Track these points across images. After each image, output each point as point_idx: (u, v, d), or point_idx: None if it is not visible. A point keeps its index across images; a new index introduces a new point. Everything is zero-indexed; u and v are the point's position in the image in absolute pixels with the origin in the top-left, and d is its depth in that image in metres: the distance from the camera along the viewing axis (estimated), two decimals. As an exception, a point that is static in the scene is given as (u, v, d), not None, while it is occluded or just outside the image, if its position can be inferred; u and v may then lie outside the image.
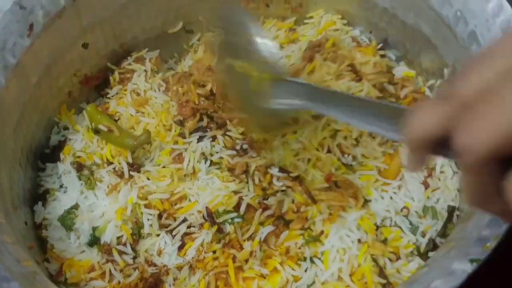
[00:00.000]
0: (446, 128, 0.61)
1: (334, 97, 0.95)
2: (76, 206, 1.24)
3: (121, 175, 1.24)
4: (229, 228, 1.15)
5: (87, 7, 1.31)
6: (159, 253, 1.18)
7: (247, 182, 1.19)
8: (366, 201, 1.21)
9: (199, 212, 1.18)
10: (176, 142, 1.28)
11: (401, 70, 1.36)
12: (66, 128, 1.36)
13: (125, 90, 1.38)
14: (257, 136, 1.21)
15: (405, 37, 1.35)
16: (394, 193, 1.24)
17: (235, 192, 1.18)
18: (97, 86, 1.42)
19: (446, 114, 0.62)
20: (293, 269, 1.12)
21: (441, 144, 0.64)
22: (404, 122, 0.67)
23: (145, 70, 1.40)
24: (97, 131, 1.29)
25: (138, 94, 1.36)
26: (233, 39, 1.11)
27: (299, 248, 1.15)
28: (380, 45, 1.39)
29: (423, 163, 0.72)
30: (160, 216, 1.20)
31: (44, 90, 1.31)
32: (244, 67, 1.07)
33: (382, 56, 1.37)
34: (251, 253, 1.14)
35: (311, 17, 1.46)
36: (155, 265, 1.17)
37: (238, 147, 1.23)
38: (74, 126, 1.35)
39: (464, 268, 0.87)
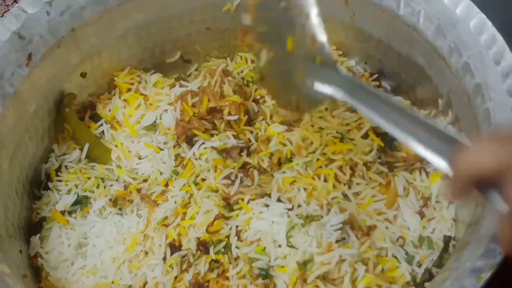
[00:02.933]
0: (498, 173, 0.63)
1: (380, 103, 0.94)
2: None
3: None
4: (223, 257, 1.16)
5: (86, 37, 1.33)
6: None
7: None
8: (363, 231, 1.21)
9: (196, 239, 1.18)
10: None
11: (396, 100, 1.37)
12: (63, 154, 1.37)
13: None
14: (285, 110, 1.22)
15: (400, 68, 1.36)
16: (390, 222, 1.24)
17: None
18: (94, 114, 1.42)
19: (500, 159, 0.64)
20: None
21: (486, 184, 0.67)
22: (456, 155, 0.70)
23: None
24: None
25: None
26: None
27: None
28: (375, 75, 1.41)
29: (464, 197, 0.75)
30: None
31: (41, 119, 1.31)
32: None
33: (377, 86, 1.38)
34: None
35: (307, 48, 1.47)
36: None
37: (233, 177, 1.23)
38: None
39: (459, 299, 0.87)
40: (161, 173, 1.33)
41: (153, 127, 1.37)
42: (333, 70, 1.04)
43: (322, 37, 1.07)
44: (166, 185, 1.30)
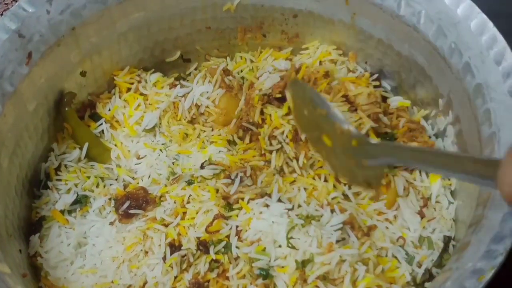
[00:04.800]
0: None
1: (420, 154, 1.05)
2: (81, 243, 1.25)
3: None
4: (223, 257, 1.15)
5: (86, 36, 1.33)
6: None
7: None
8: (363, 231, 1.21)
9: (196, 239, 1.18)
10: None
11: (396, 100, 1.37)
12: (63, 154, 1.37)
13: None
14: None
15: (401, 67, 1.36)
16: (390, 223, 1.24)
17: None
18: (93, 113, 1.42)
19: None
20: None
21: None
22: (501, 178, 0.80)
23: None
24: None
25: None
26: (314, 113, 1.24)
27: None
28: (376, 75, 1.41)
29: None
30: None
31: (41, 118, 1.31)
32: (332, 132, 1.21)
33: (376, 86, 1.38)
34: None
35: (307, 48, 1.47)
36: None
37: (233, 176, 1.23)
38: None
39: (460, 300, 0.87)
40: (159, 174, 1.33)
41: (152, 129, 1.37)
42: (370, 145, 1.16)
43: (345, 124, 1.19)
44: (165, 185, 1.30)
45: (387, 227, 1.23)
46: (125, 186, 1.32)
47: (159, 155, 1.36)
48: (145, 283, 1.17)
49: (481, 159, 0.95)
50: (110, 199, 1.28)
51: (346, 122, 1.20)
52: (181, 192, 1.25)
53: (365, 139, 1.18)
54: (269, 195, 1.21)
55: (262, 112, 1.32)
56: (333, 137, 1.20)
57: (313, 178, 1.26)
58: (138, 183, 1.33)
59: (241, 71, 1.48)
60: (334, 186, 1.26)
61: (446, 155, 1.06)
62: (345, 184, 1.26)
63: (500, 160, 0.82)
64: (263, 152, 1.29)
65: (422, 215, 1.25)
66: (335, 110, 1.24)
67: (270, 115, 1.30)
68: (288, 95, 1.28)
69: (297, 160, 1.27)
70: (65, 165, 1.34)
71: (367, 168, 1.17)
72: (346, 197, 1.26)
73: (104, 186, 1.31)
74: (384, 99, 1.38)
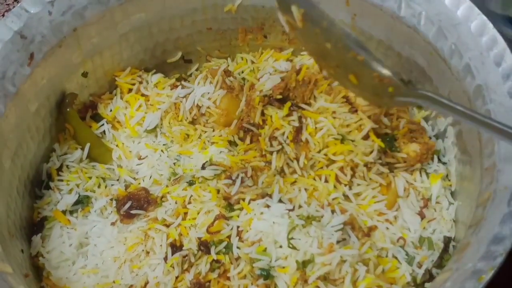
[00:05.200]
0: None
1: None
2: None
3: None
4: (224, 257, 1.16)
5: (87, 37, 1.33)
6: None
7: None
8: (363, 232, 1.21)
9: (197, 240, 1.18)
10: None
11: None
12: (64, 154, 1.37)
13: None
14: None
15: (401, 68, 1.36)
16: (391, 223, 1.24)
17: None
18: (95, 114, 1.43)
19: None
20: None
21: None
22: None
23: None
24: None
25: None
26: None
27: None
28: (376, 76, 1.41)
29: None
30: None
31: (43, 119, 1.32)
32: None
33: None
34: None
35: (308, 49, 1.48)
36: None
37: (234, 177, 1.24)
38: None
39: (460, 300, 0.87)
40: (161, 174, 1.33)
41: (154, 130, 1.38)
42: (410, 90, 1.12)
43: (386, 72, 1.15)
44: (166, 185, 1.30)
45: (387, 228, 1.23)
46: (126, 187, 1.33)
47: (160, 155, 1.37)
48: (146, 283, 1.17)
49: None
50: (111, 199, 1.29)
51: (385, 68, 1.15)
52: (182, 193, 1.25)
53: (403, 88, 1.13)
54: (270, 196, 1.22)
55: (262, 113, 1.32)
56: (364, 79, 1.18)
57: (314, 179, 1.27)
58: (139, 183, 1.34)
59: (242, 72, 1.49)
60: (335, 187, 1.26)
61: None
62: (345, 185, 1.26)
63: None
64: (263, 153, 1.30)
65: (422, 216, 1.25)
66: (374, 55, 1.18)
67: (271, 116, 1.30)
68: (295, 11, 1.20)
69: (298, 160, 1.27)
70: (67, 166, 1.34)
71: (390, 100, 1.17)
72: (346, 197, 1.26)
73: (106, 187, 1.32)
74: (384, 100, 1.38)
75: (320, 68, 1.30)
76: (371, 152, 1.27)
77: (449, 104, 1.02)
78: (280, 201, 1.21)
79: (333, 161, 1.27)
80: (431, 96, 1.06)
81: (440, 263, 1.20)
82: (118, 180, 1.35)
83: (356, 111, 1.31)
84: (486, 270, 0.90)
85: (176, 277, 1.16)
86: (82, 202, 1.29)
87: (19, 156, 1.25)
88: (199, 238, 1.18)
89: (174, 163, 1.36)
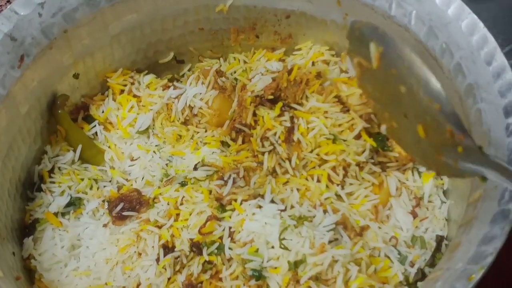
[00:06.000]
0: None
1: None
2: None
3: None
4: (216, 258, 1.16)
5: (78, 38, 1.33)
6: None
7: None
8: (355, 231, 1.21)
9: (189, 241, 1.18)
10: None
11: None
12: (56, 156, 1.37)
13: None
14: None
15: (393, 68, 1.36)
16: (383, 222, 1.24)
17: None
18: (87, 115, 1.42)
19: None
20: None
21: None
22: None
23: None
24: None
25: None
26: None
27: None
28: (368, 75, 1.40)
29: None
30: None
31: (34, 121, 1.31)
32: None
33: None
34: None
35: (300, 49, 1.48)
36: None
37: (226, 177, 1.23)
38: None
39: (450, 300, 0.87)
40: (153, 175, 1.33)
41: (146, 131, 1.38)
42: (479, 155, 0.97)
43: (461, 130, 0.99)
44: (159, 186, 1.30)
45: (379, 227, 1.23)
46: (118, 188, 1.32)
47: (152, 156, 1.36)
48: (138, 284, 1.17)
49: None
50: (103, 201, 1.29)
51: (463, 129, 0.99)
52: (175, 194, 1.25)
53: (476, 149, 0.97)
54: (262, 196, 1.21)
55: (254, 114, 1.32)
56: (432, 133, 1.04)
57: (306, 179, 1.27)
58: (131, 184, 1.34)
59: (235, 72, 1.48)
60: (327, 187, 1.26)
61: None
62: (337, 185, 1.26)
63: None
64: (255, 153, 1.30)
65: (414, 215, 1.25)
66: (450, 107, 1.01)
67: (263, 117, 1.30)
68: (374, 49, 1.11)
69: (290, 161, 1.27)
70: (59, 168, 1.34)
71: (451, 165, 1.01)
72: (339, 197, 1.26)
73: (98, 188, 1.32)
74: (376, 99, 1.38)
75: (379, 121, 1.22)
76: (363, 151, 1.26)
77: None
78: (272, 201, 1.20)
79: (325, 161, 1.27)
80: (505, 167, 0.93)
81: (432, 262, 1.20)
82: (110, 181, 1.35)
83: (348, 110, 1.30)
84: (476, 269, 0.91)
85: (168, 279, 1.16)
86: (74, 204, 1.29)
87: (10, 158, 1.25)
88: (191, 239, 1.18)
89: (167, 164, 1.36)
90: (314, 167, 1.28)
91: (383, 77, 1.11)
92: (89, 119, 1.42)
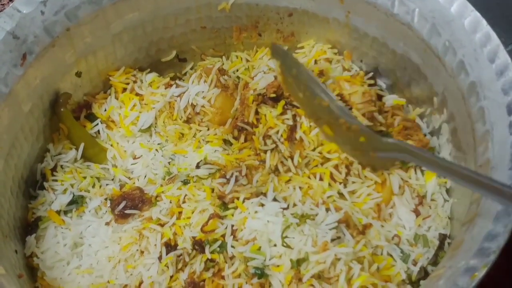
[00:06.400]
0: None
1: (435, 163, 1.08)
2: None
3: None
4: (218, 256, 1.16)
5: (81, 36, 1.33)
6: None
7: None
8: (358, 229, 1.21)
9: (191, 239, 1.18)
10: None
11: (392, 99, 1.37)
12: (59, 154, 1.37)
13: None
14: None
15: (396, 66, 1.36)
16: (385, 221, 1.24)
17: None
18: (89, 114, 1.42)
19: None
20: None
21: None
22: None
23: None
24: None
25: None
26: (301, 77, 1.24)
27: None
28: (371, 74, 1.41)
29: None
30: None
31: (37, 119, 1.31)
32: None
33: (372, 85, 1.38)
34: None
35: (302, 47, 1.47)
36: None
37: (228, 175, 1.23)
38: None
39: (453, 298, 0.87)
40: (155, 173, 1.33)
41: (148, 129, 1.38)
42: (381, 142, 1.14)
43: (351, 119, 1.18)
44: (161, 184, 1.30)
45: (382, 225, 1.23)
46: (121, 186, 1.32)
47: (155, 155, 1.36)
48: (141, 282, 1.17)
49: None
50: (106, 199, 1.29)
51: (351, 116, 1.17)
52: (177, 192, 1.25)
53: (375, 137, 1.15)
54: (264, 194, 1.22)
55: (257, 112, 1.32)
56: (336, 129, 1.18)
57: (308, 177, 1.27)
58: (134, 183, 1.34)
59: (237, 70, 1.48)
60: (330, 185, 1.26)
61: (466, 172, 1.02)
62: (340, 183, 1.26)
63: None
64: (258, 151, 1.29)
65: (417, 213, 1.25)
66: (338, 102, 1.21)
67: (265, 115, 1.30)
68: (275, 64, 1.28)
69: (292, 159, 1.27)
70: (61, 166, 1.34)
71: (374, 157, 1.15)
72: (341, 195, 1.26)
73: (100, 186, 1.32)
74: (379, 97, 1.38)
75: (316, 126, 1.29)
76: (366, 149, 1.26)
77: (429, 158, 1.07)
78: (274, 199, 1.21)
79: (328, 159, 1.27)
80: (409, 149, 1.10)
81: (435, 261, 1.19)
82: (112, 179, 1.35)
83: (351, 108, 1.30)
84: (479, 267, 0.90)
85: (171, 277, 1.16)
86: (77, 202, 1.29)
87: (13, 156, 1.25)
88: (194, 237, 1.18)
89: (169, 162, 1.36)
90: (316, 165, 1.28)
91: (288, 86, 1.29)
92: (91, 117, 1.42)
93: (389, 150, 1.12)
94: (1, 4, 1.80)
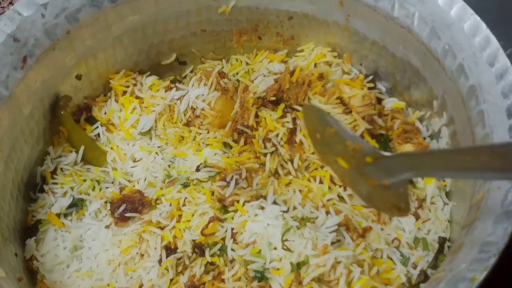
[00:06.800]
0: None
1: (436, 157, 1.02)
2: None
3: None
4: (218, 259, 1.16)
5: (81, 39, 1.33)
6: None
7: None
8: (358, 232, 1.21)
9: (191, 242, 1.18)
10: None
11: (391, 102, 1.37)
12: (59, 157, 1.37)
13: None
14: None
15: (395, 69, 1.36)
16: (385, 224, 1.24)
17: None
18: (89, 117, 1.42)
19: None
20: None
21: None
22: None
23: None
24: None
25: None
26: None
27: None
28: (371, 77, 1.41)
29: None
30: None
31: (37, 122, 1.31)
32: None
33: (371, 88, 1.38)
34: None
35: (302, 50, 1.48)
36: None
37: (228, 178, 1.23)
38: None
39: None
40: (155, 176, 1.33)
41: (148, 132, 1.38)
42: (384, 158, 1.11)
43: (355, 140, 1.18)
44: (161, 187, 1.30)
45: (382, 229, 1.23)
46: (121, 189, 1.32)
47: (155, 158, 1.36)
48: (141, 286, 1.17)
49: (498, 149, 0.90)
50: (106, 202, 1.29)
51: (356, 138, 1.18)
52: (177, 195, 1.25)
53: (378, 153, 1.13)
54: (264, 198, 1.22)
55: (256, 115, 1.32)
56: (347, 157, 1.17)
57: (308, 180, 1.27)
58: (134, 186, 1.34)
59: (237, 73, 1.49)
60: (329, 188, 1.26)
61: (463, 151, 1.02)
62: (340, 186, 1.26)
63: None
64: (258, 155, 1.30)
65: (417, 216, 1.25)
66: (345, 127, 1.22)
67: (265, 118, 1.30)
68: (301, 122, 1.28)
69: (292, 162, 1.27)
70: (61, 169, 1.34)
71: (390, 190, 1.11)
72: (341, 198, 1.26)
73: (100, 189, 1.32)
74: (379, 100, 1.38)
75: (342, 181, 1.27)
76: (366, 153, 1.26)
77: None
78: (274, 202, 1.21)
79: (328, 163, 1.27)
80: (416, 159, 1.07)
81: (435, 264, 1.20)
82: (112, 182, 1.35)
83: (350, 112, 1.31)
84: (479, 270, 0.90)
85: (171, 280, 1.16)
86: (77, 205, 1.29)
87: (13, 159, 1.25)
88: (194, 241, 1.18)
89: (169, 165, 1.36)
90: (316, 169, 1.28)
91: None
92: (91, 120, 1.42)
93: (396, 170, 1.08)
94: (1, 7, 1.80)
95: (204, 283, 1.15)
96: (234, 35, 1.50)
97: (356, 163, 1.16)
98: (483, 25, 1.15)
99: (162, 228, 1.21)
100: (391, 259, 1.19)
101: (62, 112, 1.35)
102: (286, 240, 1.13)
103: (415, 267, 1.19)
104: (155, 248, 1.19)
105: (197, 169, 1.29)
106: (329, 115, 1.26)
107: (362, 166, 1.15)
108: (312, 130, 1.25)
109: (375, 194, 1.14)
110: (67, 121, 1.36)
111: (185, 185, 1.28)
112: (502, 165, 0.85)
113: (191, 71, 1.54)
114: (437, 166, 1.00)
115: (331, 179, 1.26)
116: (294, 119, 1.29)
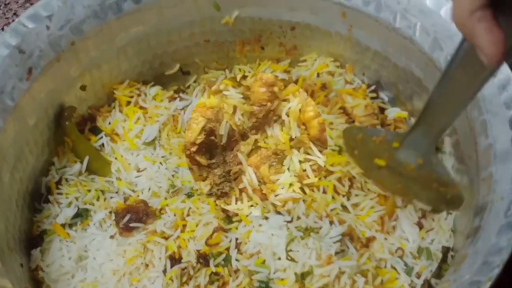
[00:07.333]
0: None
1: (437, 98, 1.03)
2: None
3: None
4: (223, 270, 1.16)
5: (85, 50, 1.34)
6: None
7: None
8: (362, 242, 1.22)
9: (196, 252, 1.18)
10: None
11: (394, 112, 1.38)
12: (63, 167, 1.37)
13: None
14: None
15: (398, 79, 1.37)
16: (389, 234, 1.24)
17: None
18: (93, 127, 1.43)
19: None
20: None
21: None
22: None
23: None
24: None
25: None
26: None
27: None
28: (373, 87, 1.41)
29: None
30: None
31: (41, 132, 1.32)
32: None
33: (374, 98, 1.39)
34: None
35: (305, 60, 1.48)
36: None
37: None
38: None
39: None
40: (159, 186, 1.33)
41: (152, 142, 1.38)
42: (405, 136, 1.13)
43: (378, 133, 1.21)
44: (165, 197, 1.31)
45: (385, 238, 1.23)
46: (125, 199, 1.33)
47: (159, 168, 1.37)
48: (145, 296, 1.18)
49: None
50: (110, 212, 1.29)
51: (379, 131, 1.21)
52: (181, 205, 1.26)
53: (399, 134, 1.16)
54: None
55: (262, 125, 1.33)
56: (380, 153, 1.18)
57: (312, 190, 1.27)
58: (138, 196, 1.34)
59: (240, 83, 1.49)
60: (333, 198, 1.26)
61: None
62: (343, 196, 1.26)
63: None
64: (262, 164, 1.30)
65: (420, 226, 1.25)
66: (368, 128, 1.25)
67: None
68: (343, 142, 1.28)
69: (296, 171, 1.28)
70: (66, 179, 1.35)
71: (427, 168, 1.13)
72: (345, 208, 1.26)
73: (105, 199, 1.32)
74: (382, 110, 1.39)
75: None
76: (369, 162, 1.27)
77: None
78: (278, 212, 1.21)
79: (331, 172, 1.27)
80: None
81: (439, 273, 1.20)
82: (117, 192, 1.35)
83: (353, 121, 1.31)
84: (483, 281, 0.91)
85: (175, 289, 1.16)
86: (81, 215, 1.29)
87: (18, 169, 1.25)
88: (198, 251, 1.18)
89: (173, 175, 1.36)
90: (319, 178, 1.28)
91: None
92: (95, 130, 1.42)
93: (419, 139, 1.11)
94: (6, 18, 1.81)
95: (209, 293, 1.15)
96: (237, 45, 1.51)
97: (388, 155, 1.17)
98: (485, 36, 1.15)
99: (166, 238, 1.22)
100: (395, 268, 1.19)
101: (66, 123, 1.35)
102: (290, 250, 1.13)
103: (418, 276, 1.19)
104: (160, 258, 1.19)
105: (201, 179, 1.30)
106: (357, 127, 1.28)
107: (394, 156, 1.16)
108: (351, 150, 1.25)
109: (423, 183, 1.16)
110: (72, 131, 1.37)
111: (189, 195, 1.28)
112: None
113: (195, 81, 1.55)
114: (446, 105, 1.01)
115: (335, 189, 1.26)
116: (297, 129, 1.30)
